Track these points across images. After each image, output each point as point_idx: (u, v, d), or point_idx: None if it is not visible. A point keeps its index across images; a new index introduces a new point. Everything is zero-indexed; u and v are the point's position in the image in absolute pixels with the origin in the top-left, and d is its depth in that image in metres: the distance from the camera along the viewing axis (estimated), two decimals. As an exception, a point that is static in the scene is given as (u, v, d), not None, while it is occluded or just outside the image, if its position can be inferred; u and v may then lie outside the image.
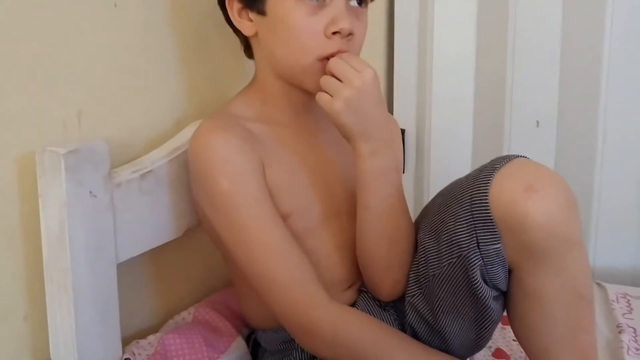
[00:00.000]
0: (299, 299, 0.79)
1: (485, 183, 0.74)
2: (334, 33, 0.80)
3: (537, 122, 1.33)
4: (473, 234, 0.75)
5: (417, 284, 0.84)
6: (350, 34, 0.81)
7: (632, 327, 1.11)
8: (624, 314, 1.15)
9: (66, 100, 0.79)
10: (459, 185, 0.80)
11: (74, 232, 0.74)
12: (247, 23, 0.85)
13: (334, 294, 0.83)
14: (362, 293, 0.90)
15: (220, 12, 0.88)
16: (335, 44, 0.80)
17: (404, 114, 1.39)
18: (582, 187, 1.26)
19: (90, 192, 0.76)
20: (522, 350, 1.06)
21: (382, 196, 0.82)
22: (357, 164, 0.81)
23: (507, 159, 0.77)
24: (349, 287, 0.90)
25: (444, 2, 1.33)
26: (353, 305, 0.88)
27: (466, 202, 0.76)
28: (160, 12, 0.90)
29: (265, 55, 0.86)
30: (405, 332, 0.86)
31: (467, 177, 0.80)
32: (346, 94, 0.77)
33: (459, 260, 0.77)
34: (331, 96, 0.78)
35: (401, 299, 0.87)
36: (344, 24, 0.79)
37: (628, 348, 1.04)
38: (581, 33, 1.26)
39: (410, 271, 0.85)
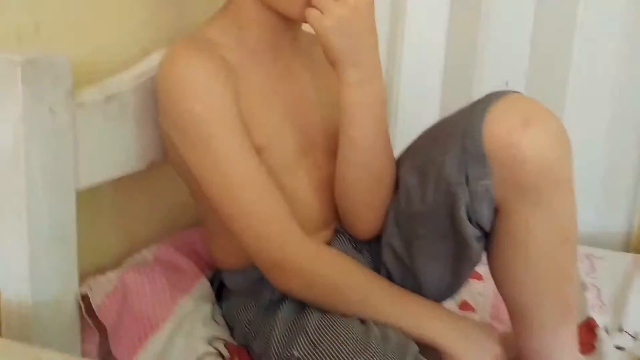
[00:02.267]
0: (274, 232, 0.76)
1: (479, 116, 0.71)
2: None
3: (507, 82, 1.33)
4: (463, 168, 0.72)
5: (395, 222, 0.81)
6: None
7: (596, 286, 1.12)
8: (587, 272, 1.16)
9: (20, 9, 0.72)
10: (449, 120, 0.77)
11: (30, 151, 0.68)
12: None
13: (309, 232, 0.79)
14: (338, 234, 0.87)
15: None
16: None
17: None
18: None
19: (50, 108, 0.69)
20: (489, 305, 1.07)
21: (367, 128, 0.79)
22: (342, 92, 0.77)
23: (502, 93, 0.74)
24: (325, 226, 0.86)
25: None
26: (328, 245, 0.85)
27: (458, 136, 0.73)
28: None
29: None
30: (379, 273, 0.83)
31: (459, 112, 0.77)
32: (338, 12, 0.73)
33: (445, 196, 0.74)
34: (322, 13, 0.73)
35: (376, 240, 0.84)
36: None
37: (592, 305, 1.06)
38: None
39: (389, 209, 0.82)
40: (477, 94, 1.29)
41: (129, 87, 0.80)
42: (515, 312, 0.80)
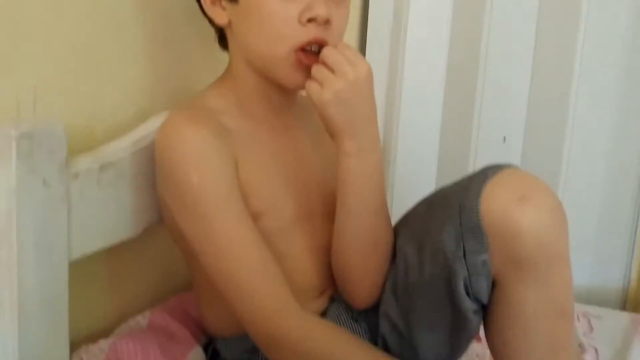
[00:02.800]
0: (268, 305, 0.75)
1: (476, 191, 0.72)
2: (310, 20, 0.76)
3: (504, 137, 1.33)
4: (460, 242, 0.72)
5: (393, 293, 0.80)
6: (328, 21, 0.76)
7: (594, 347, 1.10)
8: (584, 332, 1.15)
9: (20, 77, 0.72)
10: (446, 192, 0.77)
11: (23, 224, 0.67)
12: (219, 11, 0.80)
13: (305, 300, 0.79)
14: (334, 301, 0.86)
15: (192, -1, 0.83)
16: (311, 31, 0.76)
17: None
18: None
19: (44, 180, 0.68)
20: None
21: (365, 198, 0.79)
22: (341, 162, 0.77)
23: (499, 167, 0.74)
24: (321, 294, 0.85)
25: (416, 22, 1.31)
26: (324, 313, 0.84)
27: (455, 210, 0.73)
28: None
29: (239, 46, 0.82)
30: (376, 344, 0.82)
31: (456, 185, 0.77)
32: (337, 86, 0.73)
33: (442, 270, 0.74)
34: (321, 86, 0.74)
35: (374, 309, 0.83)
36: (319, 10, 0.75)
37: (590, 368, 1.04)
38: (552, 51, 1.27)
39: (386, 279, 0.82)
40: (476, 150, 1.32)
41: (126, 153, 0.79)
42: None
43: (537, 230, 0.69)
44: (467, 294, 0.74)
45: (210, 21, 0.83)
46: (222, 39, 0.85)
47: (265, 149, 0.83)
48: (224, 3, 0.79)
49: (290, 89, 0.82)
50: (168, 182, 0.77)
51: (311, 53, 0.76)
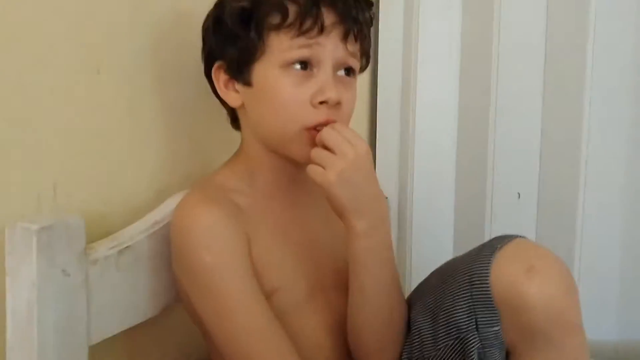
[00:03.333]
0: None
1: (485, 264, 0.73)
2: (321, 103, 0.78)
3: (519, 194, 1.33)
4: (472, 315, 0.73)
5: None
6: (339, 103, 0.79)
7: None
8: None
9: (41, 172, 0.75)
10: (456, 265, 0.78)
11: (43, 314, 0.68)
12: (233, 94, 0.83)
13: (320, 376, 0.79)
14: (352, 376, 0.86)
15: (206, 81, 0.86)
16: (323, 113, 0.78)
17: (385, 186, 1.38)
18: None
19: (63, 270, 0.70)
20: None
21: (377, 275, 0.79)
22: (351, 242, 0.78)
23: (507, 238, 0.76)
24: (338, 369, 0.85)
25: (425, 80, 1.33)
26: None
27: (465, 283, 0.74)
28: (144, 80, 0.88)
29: (251, 126, 0.84)
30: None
31: (465, 257, 0.78)
32: (340, 166, 0.74)
33: (456, 342, 0.75)
34: (324, 168, 0.76)
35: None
36: (330, 94, 0.78)
37: None
38: (561, 105, 1.27)
39: (402, 353, 0.82)
40: (491, 208, 1.32)
41: (142, 236, 0.81)
42: None
43: (546, 301, 0.71)
44: None
45: (223, 103, 0.86)
46: (235, 119, 0.87)
47: (277, 226, 0.84)
48: (237, 86, 0.82)
49: (302, 163, 0.83)
50: (182, 262, 0.79)
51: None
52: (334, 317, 0.85)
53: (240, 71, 0.80)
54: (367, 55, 0.85)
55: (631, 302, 1.32)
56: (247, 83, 0.80)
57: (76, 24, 0.78)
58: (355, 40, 0.80)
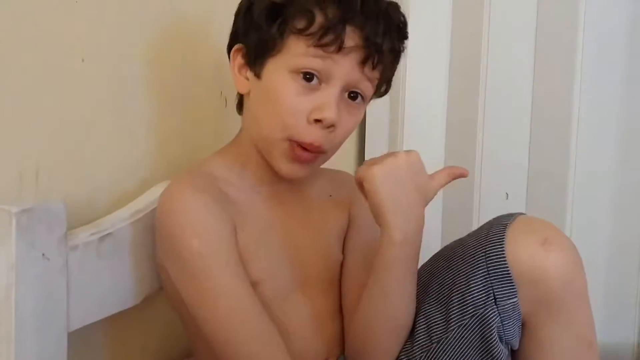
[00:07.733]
0: None
1: (499, 240, 0.76)
2: (316, 121, 0.77)
3: (507, 194, 1.33)
4: (490, 290, 0.76)
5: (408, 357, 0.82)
6: (333, 126, 0.78)
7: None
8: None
9: (24, 153, 0.74)
10: (464, 246, 0.80)
11: (21, 298, 0.68)
12: (243, 80, 0.83)
13: (305, 368, 0.79)
14: (340, 365, 0.86)
15: (194, 69, 0.86)
16: (313, 134, 0.77)
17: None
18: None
19: (43, 254, 0.70)
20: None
21: (403, 283, 0.80)
22: (383, 248, 0.78)
23: (512, 216, 0.80)
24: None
25: (413, 82, 1.34)
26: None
27: (481, 261, 0.77)
28: (129, 69, 0.87)
29: (250, 116, 0.84)
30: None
31: (471, 237, 0.81)
32: (387, 162, 0.77)
33: (472, 319, 0.77)
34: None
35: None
36: (328, 114, 0.76)
37: None
38: (550, 107, 1.28)
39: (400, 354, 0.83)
40: (478, 207, 1.32)
41: (125, 223, 0.81)
42: None
43: (562, 272, 0.75)
44: (501, 340, 0.77)
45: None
46: (240, 104, 0.87)
47: (262, 219, 0.84)
48: (248, 74, 0.82)
49: (276, 170, 0.82)
50: (168, 247, 0.78)
51: (305, 150, 0.78)
52: (317, 311, 0.85)
53: (254, 61, 0.80)
54: (388, 82, 0.85)
55: (613, 303, 1.32)
56: (258, 75, 0.80)
57: (62, 12, 0.77)
58: (374, 67, 0.78)
